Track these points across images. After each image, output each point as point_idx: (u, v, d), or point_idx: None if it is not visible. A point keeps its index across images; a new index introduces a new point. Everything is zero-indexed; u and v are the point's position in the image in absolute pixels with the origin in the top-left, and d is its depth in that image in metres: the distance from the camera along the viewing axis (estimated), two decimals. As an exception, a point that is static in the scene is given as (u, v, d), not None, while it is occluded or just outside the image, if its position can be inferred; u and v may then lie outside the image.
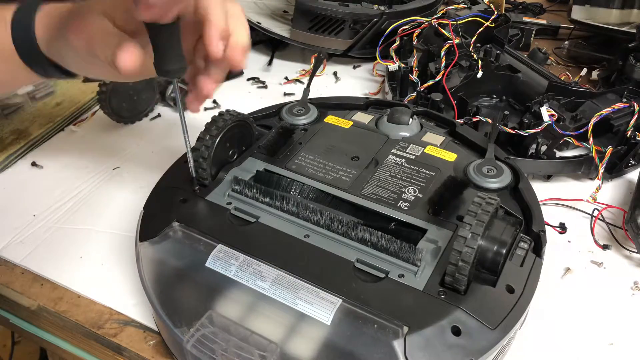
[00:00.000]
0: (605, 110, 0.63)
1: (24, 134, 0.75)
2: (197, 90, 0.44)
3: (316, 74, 0.73)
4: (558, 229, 0.59)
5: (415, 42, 0.82)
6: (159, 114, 0.79)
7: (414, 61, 0.78)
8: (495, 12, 0.84)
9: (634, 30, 0.80)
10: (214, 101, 0.82)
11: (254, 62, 0.93)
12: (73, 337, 0.53)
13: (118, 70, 0.36)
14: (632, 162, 0.66)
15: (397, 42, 0.83)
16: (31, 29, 0.41)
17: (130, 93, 0.75)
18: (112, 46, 0.36)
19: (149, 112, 0.79)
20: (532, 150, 0.64)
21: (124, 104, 0.75)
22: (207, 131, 0.52)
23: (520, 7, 1.07)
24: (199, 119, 0.55)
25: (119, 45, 0.36)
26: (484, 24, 0.82)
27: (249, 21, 0.91)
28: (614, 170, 0.65)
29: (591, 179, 0.65)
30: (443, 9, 0.88)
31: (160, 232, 0.49)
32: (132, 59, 0.36)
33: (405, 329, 0.39)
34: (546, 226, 0.50)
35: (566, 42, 0.96)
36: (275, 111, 0.65)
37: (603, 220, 0.60)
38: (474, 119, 0.67)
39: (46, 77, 0.45)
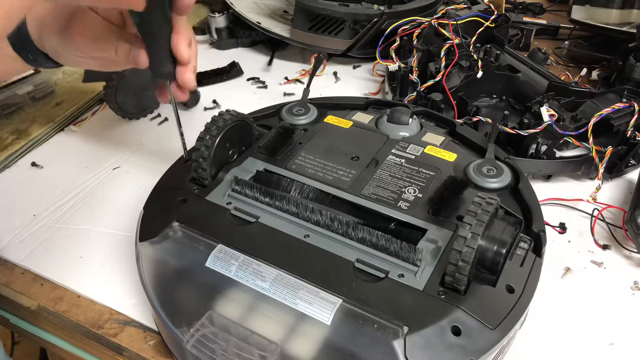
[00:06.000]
0: (605, 110, 0.63)
1: (24, 134, 0.75)
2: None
3: (316, 74, 0.73)
4: (558, 229, 0.59)
5: (415, 42, 0.82)
6: (158, 114, 0.79)
7: (414, 61, 0.78)
8: (495, 12, 0.84)
9: (634, 30, 0.80)
10: (214, 101, 0.82)
11: (254, 62, 0.93)
12: (73, 337, 0.53)
13: (140, 67, 0.43)
14: (632, 162, 0.66)
15: (397, 42, 0.83)
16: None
17: (136, 89, 0.76)
18: (117, 42, 0.43)
19: (154, 109, 0.80)
20: (532, 150, 0.64)
21: (130, 99, 0.75)
22: (207, 131, 0.52)
23: (520, 7, 1.07)
24: (199, 118, 0.55)
25: (132, 46, 0.42)
26: (484, 24, 0.82)
27: (249, 21, 0.92)
28: (614, 170, 0.65)
29: (591, 179, 0.65)
30: (443, 9, 0.88)
31: (160, 232, 0.48)
32: (145, 58, 0.43)
33: (405, 329, 0.39)
34: (546, 226, 0.50)
35: (566, 42, 0.96)
36: (275, 111, 0.65)
37: (603, 220, 0.60)
38: (474, 119, 0.67)
39: (33, 65, 0.48)
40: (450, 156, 0.57)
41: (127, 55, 0.43)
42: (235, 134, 0.55)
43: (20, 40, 0.44)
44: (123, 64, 0.45)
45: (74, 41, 0.43)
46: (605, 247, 0.57)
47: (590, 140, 0.61)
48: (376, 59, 0.82)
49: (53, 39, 0.43)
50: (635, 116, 0.63)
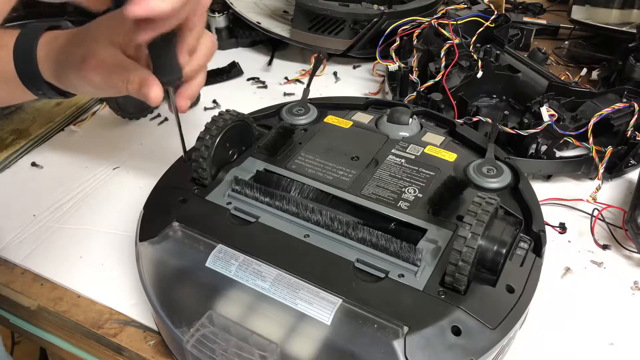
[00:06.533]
0: (605, 110, 0.63)
1: (24, 134, 0.75)
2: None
3: (316, 74, 0.73)
4: (558, 229, 0.59)
5: (415, 42, 0.82)
6: (158, 114, 0.79)
7: (414, 61, 0.78)
8: (495, 12, 0.84)
9: (634, 30, 0.80)
10: (214, 101, 0.82)
11: (254, 62, 0.93)
12: (73, 337, 0.53)
13: (150, 103, 0.42)
14: (632, 162, 0.66)
15: (397, 42, 0.82)
16: (33, 55, 0.45)
17: None
18: (128, 77, 0.42)
19: (154, 109, 0.79)
20: (532, 150, 0.64)
21: (130, 99, 0.75)
22: (207, 131, 0.52)
23: (520, 7, 1.07)
24: (199, 118, 0.55)
25: (144, 82, 0.42)
26: (484, 24, 0.82)
27: (249, 21, 0.92)
28: (614, 170, 0.65)
29: (591, 179, 0.65)
30: (443, 9, 0.88)
31: (160, 232, 0.48)
32: (158, 93, 0.42)
33: (405, 329, 0.39)
34: (546, 226, 0.50)
35: (566, 42, 0.96)
36: (275, 111, 0.65)
37: (603, 220, 0.59)
38: (474, 119, 0.67)
39: (43, 97, 0.48)
40: (450, 156, 0.57)
41: (138, 92, 0.43)
42: (235, 134, 0.55)
43: (30, 77, 0.45)
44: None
45: (87, 77, 0.43)
46: (605, 247, 0.57)
47: (590, 140, 0.61)
48: (376, 59, 0.82)
49: (71, 76, 0.44)
50: (635, 116, 0.63)
